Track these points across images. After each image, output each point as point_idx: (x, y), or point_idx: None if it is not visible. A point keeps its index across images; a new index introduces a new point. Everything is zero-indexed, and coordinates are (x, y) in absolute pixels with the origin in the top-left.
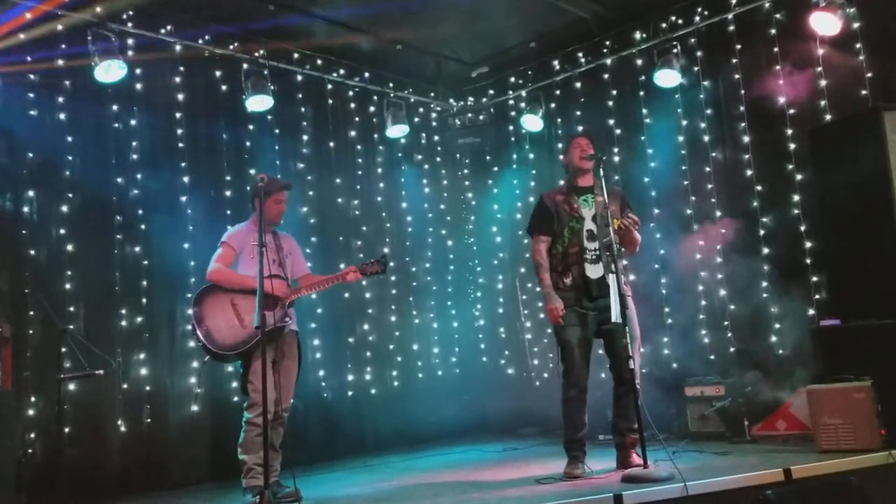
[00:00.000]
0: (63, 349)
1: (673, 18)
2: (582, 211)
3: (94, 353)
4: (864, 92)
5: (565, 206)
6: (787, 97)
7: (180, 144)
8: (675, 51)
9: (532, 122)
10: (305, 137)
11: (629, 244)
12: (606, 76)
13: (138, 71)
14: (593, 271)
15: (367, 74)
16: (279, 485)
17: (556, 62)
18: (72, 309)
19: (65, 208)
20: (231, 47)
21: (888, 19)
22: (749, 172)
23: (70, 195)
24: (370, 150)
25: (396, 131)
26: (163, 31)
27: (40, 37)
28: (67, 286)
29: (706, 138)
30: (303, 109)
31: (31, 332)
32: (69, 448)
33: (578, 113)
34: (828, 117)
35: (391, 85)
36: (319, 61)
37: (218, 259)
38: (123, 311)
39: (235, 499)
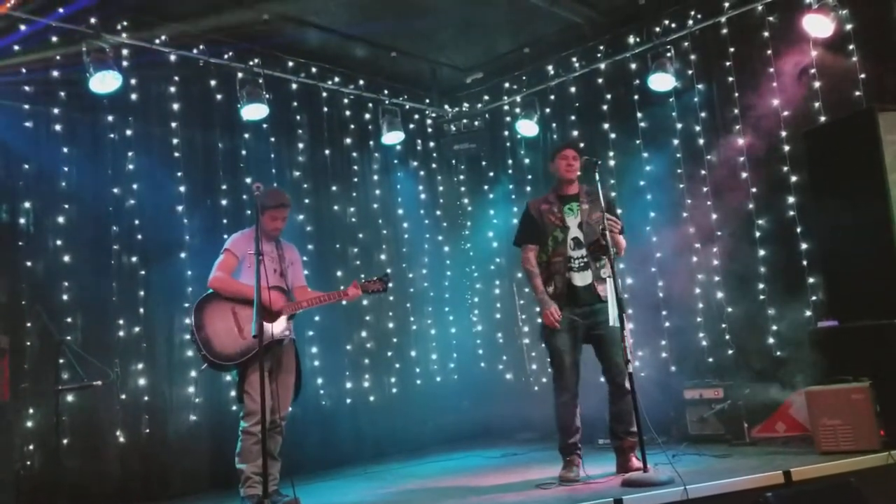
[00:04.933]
0: (61, 360)
1: (666, 22)
2: (567, 220)
3: (91, 363)
4: (857, 93)
5: (549, 216)
6: (781, 99)
7: (176, 154)
8: (668, 54)
9: (527, 128)
10: (301, 145)
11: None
12: (601, 80)
13: (133, 81)
14: (580, 279)
15: (361, 82)
16: (279, 493)
17: (550, 67)
18: (69, 320)
19: (61, 219)
20: (226, 56)
21: (880, 20)
22: (744, 175)
23: (66, 206)
24: (366, 158)
25: (392, 138)
26: (157, 41)
27: (35, 48)
28: (64, 297)
29: (701, 141)
30: (298, 117)
31: (28, 343)
32: (68, 459)
33: (573, 118)
34: (822, 119)
35: (386, 92)
36: (314, 69)
37: (220, 266)
38: (121, 322)
39: None
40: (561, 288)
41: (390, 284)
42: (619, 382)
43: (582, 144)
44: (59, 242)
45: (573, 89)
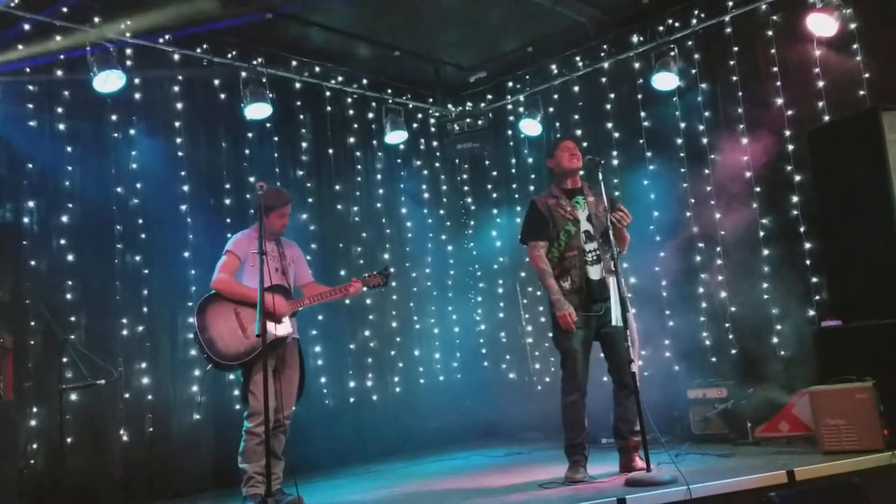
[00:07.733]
0: (64, 359)
1: (670, 21)
2: (576, 213)
3: (95, 362)
4: (861, 92)
5: (559, 210)
6: (784, 98)
7: (179, 153)
8: (672, 54)
9: (530, 127)
10: (304, 145)
11: (619, 242)
12: (604, 80)
13: (137, 80)
14: (594, 273)
15: (365, 81)
16: (282, 492)
17: (553, 66)
18: (73, 319)
19: (65, 218)
20: (229, 56)
21: (885, 20)
22: (748, 174)
23: (70, 205)
24: (369, 157)
25: (395, 137)
26: (161, 40)
27: (39, 48)
28: (68, 296)
29: (704, 140)
30: (301, 117)
31: (32, 342)
32: (71, 458)
33: (577, 117)
34: (826, 118)
35: (389, 91)
36: (317, 69)
37: (222, 268)
38: (124, 321)
39: None
40: (578, 282)
41: (392, 270)
42: (625, 382)
43: (585, 144)
44: (62, 241)
45: (577, 88)
